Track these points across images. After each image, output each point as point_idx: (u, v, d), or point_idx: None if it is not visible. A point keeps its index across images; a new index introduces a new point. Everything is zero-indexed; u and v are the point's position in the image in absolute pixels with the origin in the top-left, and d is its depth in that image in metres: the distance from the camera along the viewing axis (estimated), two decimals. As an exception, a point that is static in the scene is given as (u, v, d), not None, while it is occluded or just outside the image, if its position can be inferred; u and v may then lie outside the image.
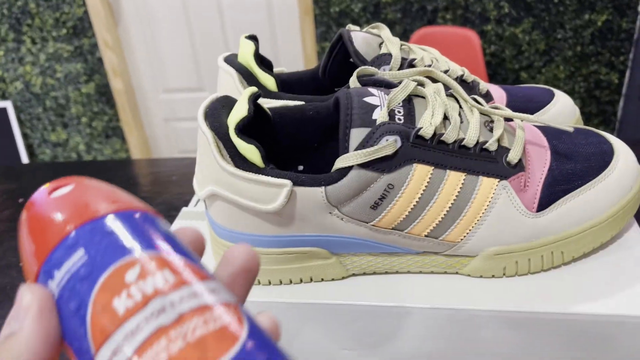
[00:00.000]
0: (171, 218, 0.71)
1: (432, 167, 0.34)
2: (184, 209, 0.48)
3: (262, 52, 2.02)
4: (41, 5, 1.99)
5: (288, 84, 0.47)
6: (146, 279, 0.17)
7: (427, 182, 0.34)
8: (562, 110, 0.45)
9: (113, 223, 0.19)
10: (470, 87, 0.44)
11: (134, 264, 0.17)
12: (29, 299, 0.18)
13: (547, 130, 0.39)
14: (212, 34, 2.04)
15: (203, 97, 2.16)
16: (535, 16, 1.82)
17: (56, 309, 0.18)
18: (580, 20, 1.81)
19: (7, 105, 2.17)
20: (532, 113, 0.45)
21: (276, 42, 2.05)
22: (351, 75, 0.41)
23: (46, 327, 0.18)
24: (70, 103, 2.17)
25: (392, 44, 0.42)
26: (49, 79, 2.13)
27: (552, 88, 0.48)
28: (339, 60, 0.45)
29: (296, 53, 2.05)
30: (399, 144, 0.33)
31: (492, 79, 1.95)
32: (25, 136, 2.26)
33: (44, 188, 0.20)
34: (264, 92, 0.42)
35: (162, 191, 0.78)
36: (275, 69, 0.47)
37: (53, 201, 0.19)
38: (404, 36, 1.90)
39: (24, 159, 2.25)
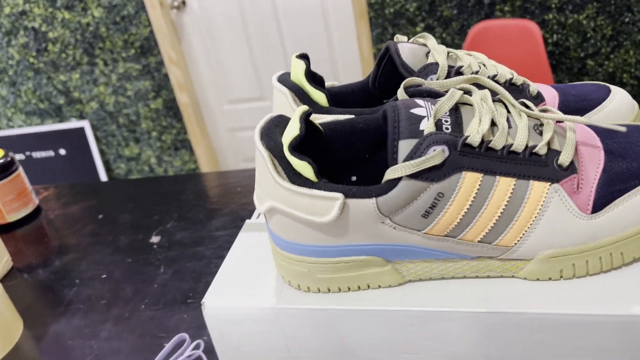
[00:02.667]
0: (238, 229, 0.74)
1: (481, 174, 0.34)
2: (247, 222, 0.50)
3: (319, 57, 2.06)
4: (111, 29, 2.11)
5: (340, 97, 0.49)
6: None
7: (477, 189, 0.35)
8: (619, 106, 0.44)
9: None
10: (520, 90, 0.44)
11: None
12: None
13: (600, 130, 0.39)
14: (271, 43, 2.09)
15: (265, 106, 2.22)
16: (600, 1, 1.75)
17: None
18: (650, 1, 1.72)
19: (85, 124, 2.32)
20: (587, 111, 0.45)
21: (333, 46, 2.07)
22: (400, 85, 0.42)
23: None
24: (141, 119, 2.29)
25: (439, 53, 0.43)
26: (121, 97, 2.25)
27: (608, 84, 0.47)
28: (387, 71, 0.47)
29: (353, 56, 2.07)
30: (446, 153, 0.34)
31: (555, 69, 1.88)
32: (101, 152, 2.40)
33: None
34: (316, 107, 0.44)
35: (229, 202, 0.82)
36: (327, 83, 0.49)
37: None
38: (462, 32, 1.87)
39: (102, 174, 2.39)
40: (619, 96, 0.45)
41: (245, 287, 0.42)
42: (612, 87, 0.46)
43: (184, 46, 2.16)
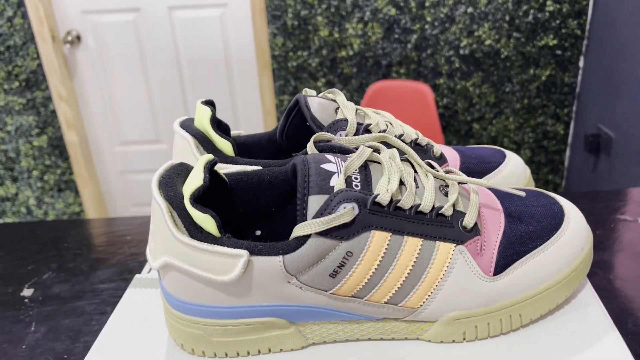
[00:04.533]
0: (125, 281, 0.68)
1: (390, 234, 0.34)
2: (137, 276, 0.46)
3: (220, 105, 2.03)
4: (-7, 58, 1.95)
5: (245, 147, 0.47)
6: None
7: (386, 249, 0.34)
8: (514, 170, 0.47)
9: None
10: (424, 150, 0.45)
11: None
12: None
13: (499, 193, 0.40)
14: (170, 87, 2.04)
15: (160, 149, 2.14)
16: (484, 71, 1.91)
17: None
18: (526, 75, 1.91)
19: (-47, 159, 2.09)
20: (485, 174, 0.46)
21: (235, 94, 2.06)
22: (308, 138, 0.41)
23: None
24: (21, 156, 2.11)
25: (348, 110, 0.43)
26: (-1, 132, 2.07)
27: (502, 149, 0.49)
28: (296, 124, 0.46)
29: (255, 106, 2.07)
30: (356, 211, 0.33)
31: (445, 130, 2.00)
32: (-29, 191, 2.17)
33: None
34: (221, 156, 0.41)
35: (116, 252, 0.75)
36: (233, 132, 0.47)
37: None
38: (360, 90, 1.95)
39: (-31, 214, 2.15)
40: (513, 160, 0.47)
41: (131, 350, 0.38)
42: (506, 151, 0.49)
43: (75, 83, 2.05)
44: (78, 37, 1.96)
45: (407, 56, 1.90)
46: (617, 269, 0.50)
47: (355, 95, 1.95)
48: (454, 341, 0.37)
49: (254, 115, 2.09)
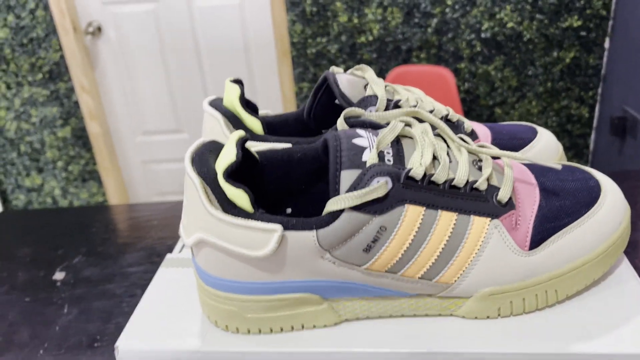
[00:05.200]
0: (153, 265, 0.69)
1: (424, 208, 0.34)
2: (168, 256, 0.46)
3: (240, 93, 2.04)
4: (17, 51, 1.98)
5: (273, 127, 0.47)
6: None
7: (420, 223, 0.33)
8: (546, 146, 0.46)
9: None
10: (455, 127, 0.44)
11: None
12: None
13: (533, 168, 0.40)
14: (190, 76, 2.05)
15: (181, 138, 2.15)
16: (506, 54, 1.88)
17: None
18: (549, 58, 1.87)
19: (-20, 150, 2.13)
20: (517, 150, 0.46)
21: (254, 83, 2.06)
22: (336, 117, 0.41)
23: None
24: (46, 147, 2.14)
25: (377, 86, 0.42)
26: (24, 124, 2.10)
27: (534, 125, 0.48)
28: (323, 102, 0.45)
29: (274, 94, 2.07)
30: (390, 185, 0.33)
31: (467, 115, 1.98)
32: (-2, 182, 2.21)
33: None
34: (251, 135, 0.41)
35: (144, 236, 0.76)
36: (260, 112, 0.47)
37: None
38: (380, 75, 1.93)
39: (-3, 205, 2.19)
40: (545, 137, 0.47)
41: (165, 329, 0.38)
42: (538, 127, 0.48)
43: (97, 74, 2.07)
44: (99, 29, 1.97)
45: (428, 40, 1.88)
46: (652, 247, 0.49)
47: (375, 82, 1.94)
48: (488, 317, 0.36)
49: (274, 103, 2.09)
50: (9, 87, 2.04)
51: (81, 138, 2.12)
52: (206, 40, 1.98)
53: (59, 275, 0.69)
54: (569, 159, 2.04)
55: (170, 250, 0.53)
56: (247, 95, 2.06)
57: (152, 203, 0.86)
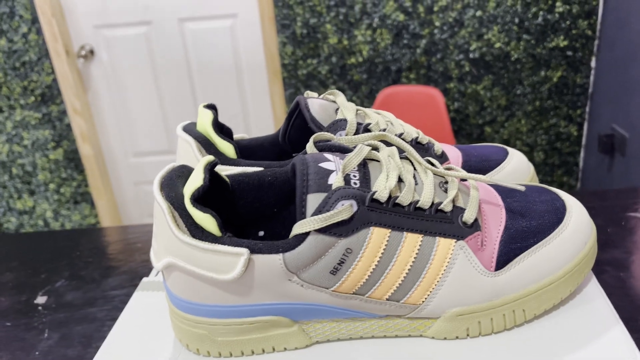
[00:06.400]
0: (135, 287, 0.69)
1: (389, 230, 0.34)
2: (144, 280, 0.47)
3: (232, 112, 2.05)
4: (9, 74, 1.99)
5: (248, 150, 0.47)
6: None
7: (385, 245, 0.34)
8: (517, 167, 0.47)
9: None
10: (425, 149, 0.45)
11: None
12: None
13: (500, 189, 0.40)
14: (182, 97, 2.07)
15: (173, 159, 2.16)
16: (495, 74, 1.90)
17: None
18: (537, 77, 1.90)
19: (-28, 174, 2.13)
20: (487, 171, 0.46)
21: (246, 104, 2.08)
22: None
23: None
24: (38, 170, 2.15)
25: (347, 110, 0.43)
26: (16, 147, 2.11)
27: (505, 147, 0.49)
28: (297, 126, 0.46)
29: (266, 114, 2.08)
30: (355, 208, 0.33)
31: (457, 134, 2.00)
32: (-10, 205, 2.21)
33: None
34: (223, 159, 0.42)
35: (127, 259, 0.76)
36: (236, 136, 0.48)
37: None
38: (371, 95, 1.95)
39: (-12, 228, 2.19)
40: (516, 158, 0.47)
41: (138, 352, 0.38)
42: (509, 149, 0.49)
43: (89, 96, 2.08)
44: (91, 52, 1.99)
45: (417, 61, 1.90)
46: (629, 266, 0.49)
47: (366, 102, 1.95)
48: (457, 337, 0.37)
49: (265, 123, 2.10)
50: (1, 111, 2.05)
51: (73, 160, 2.12)
52: (198, 62, 2.00)
53: (40, 300, 0.69)
54: (558, 177, 2.05)
55: (149, 273, 0.54)
56: (239, 116, 2.07)
57: (137, 225, 0.86)
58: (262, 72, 2.01)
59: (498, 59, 1.88)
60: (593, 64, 1.87)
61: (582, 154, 2.01)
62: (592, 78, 1.90)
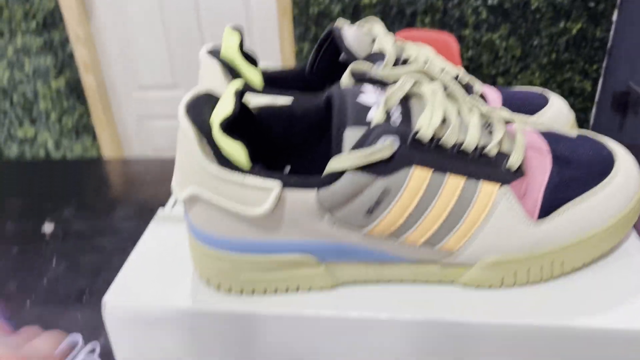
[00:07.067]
0: (145, 221, 0.67)
1: (431, 171, 0.32)
2: (160, 211, 0.45)
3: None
4: (9, -3, 1.92)
5: (273, 81, 0.44)
6: None
7: (426, 187, 0.32)
8: (558, 113, 0.44)
9: None
10: (465, 89, 0.42)
11: None
12: None
13: (546, 135, 0.38)
14: (188, 31, 2.00)
15: (178, 94, 2.11)
16: (512, 23, 1.83)
17: None
18: (555, 28, 1.83)
19: (-28, 99, 2.09)
20: (527, 116, 0.44)
21: (253, 41, 2.02)
22: (340, 74, 0.39)
23: None
24: (39, 98, 2.10)
25: (386, 41, 0.40)
26: (17, 73, 2.05)
27: (546, 91, 0.46)
28: (327, 58, 0.43)
29: (274, 53, 2.02)
30: (396, 146, 0.31)
31: (469, 83, 1.95)
32: (-10, 132, 2.18)
33: None
34: (248, 88, 0.39)
35: (135, 192, 0.74)
36: (260, 65, 0.45)
37: None
38: (383, 39, 1.89)
39: (-11, 155, 2.16)
40: (557, 103, 0.45)
41: (155, 285, 0.37)
42: (550, 94, 0.46)
43: (93, 25, 2.01)
44: (95, -23, 1.91)
45: (433, 5, 1.83)
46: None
47: (378, 45, 1.90)
48: (490, 286, 0.35)
49: (273, 62, 2.05)
50: (2, 35, 1.99)
51: (76, 90, 2.08)
52: (206, -5, 1.93)
53: (48, 228, 0.67)
54: (568, 133, 2.02)
55: (160, 208, 0.52)
56: (246, 54, 2.01)
57: (146, 159, 0.84)
58: (271, 9, 1.94)
59: (517, 7, 1.81)
60: (614, 17, 1.80)
61: (593, 111, 1.97)
62: (612, 32, 1.83)
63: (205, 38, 2.01)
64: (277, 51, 2.01)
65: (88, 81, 2.04)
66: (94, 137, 2.17)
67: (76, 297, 0.54)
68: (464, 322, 0.33)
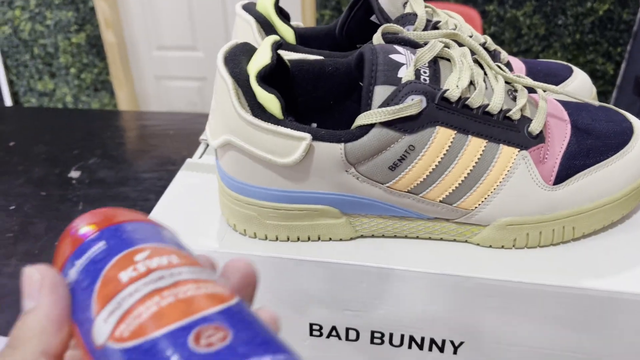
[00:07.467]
0: (168, 172, 0.69)
1: (455, 131, 0.33)
2: (188, 160, 0.46)
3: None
4: (34, -52, 1.91)
5: (304, 39, 0.46)
6: (152, 259, 0.19)
7: (449, 146, 0.33)
8: (581, 86, 0.45)
9: (132, 226, 0.21)
10: (492, 56, 0.43)
11: (144, 250, 0.19)
12: (38, 276, 0.19)
13: (568, 105, 0.39)
14: (210, -7, 1.99)
15: (196, 56, 2.12)
16: (538, 0, 1.81)
17: (69, 290, 0.19)
18: (582, 8, 1.81)
19: (-7, 49, 2.11)
20: (549, 88, 0.44)
21: (275, 5, 2.01)
22: (370, 35, 0.40)
23: (61, 299, 0.19)
24: (59, 52, 2.12)
25: (417, 4, 0.41)
26: (39, 26, 2.07)
27: (570, 64, 0.47)
28: (358, 18, 0.44)
29: (295, 19, 2.01)
30: (424, 104, 0.32)
31: (489, 60, 1.94)
32: (10, 83, 2.20)
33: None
34: (284, 43, 0.40)
35: (158, 144, 0.76)
36: (292, 22, 0.46)
37: (87, 215, 0.22)
38: (406, 10, 1.87)
39: (9, 105, 2.19)
40: (580, 77, 0.45)
41: (183, 228, 0.39)
42: (574, 67, 0.47)
43: (115, -20, 2.01)
44: None
45: (459, -22, 1.81)
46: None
47: (400, 16, 1.88)
48: (503, 247, 0.37)
49: (293, 17, 2.04)
50: (25, -14, 2.00)
51: (95, 46, 2.09)
52: (230, -44, 1.91)
53: (74, 174, 0.69)
54: (586, 116, 2.00)
55: (182, 161, 0.54)
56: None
57: (169, 112, 0.86)
58: (295, -27, 1.92)
59: (544, -16, 1.78)
60: (643, 0, 1.77)
61: (614, 94, 1.96)
62: (639, 15, 1.80)
63: (227, 4, 2.00)
64: (299, 17, 2.00)
65: (108, 37, 2.05)
66: (112, 94, 2.19)
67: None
68: (475, 277, 0.35)
